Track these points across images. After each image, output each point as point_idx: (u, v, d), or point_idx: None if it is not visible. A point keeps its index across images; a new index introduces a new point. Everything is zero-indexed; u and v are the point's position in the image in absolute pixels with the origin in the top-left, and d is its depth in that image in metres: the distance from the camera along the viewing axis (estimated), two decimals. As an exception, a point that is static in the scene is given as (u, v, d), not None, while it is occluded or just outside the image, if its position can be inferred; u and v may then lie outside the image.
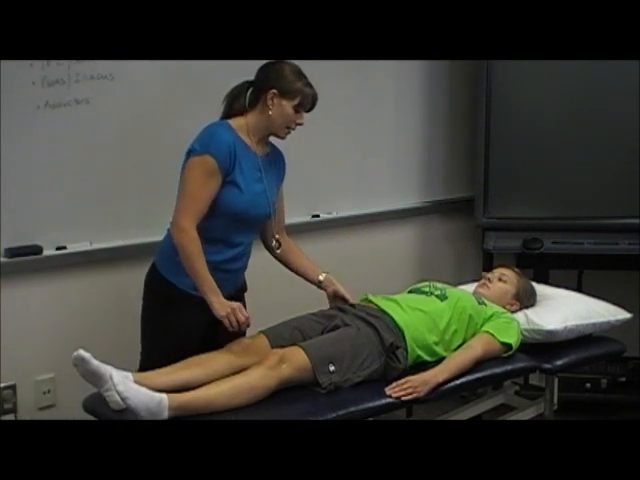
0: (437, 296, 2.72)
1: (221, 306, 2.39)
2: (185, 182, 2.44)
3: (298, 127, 2.53)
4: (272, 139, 2.60)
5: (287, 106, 2.47)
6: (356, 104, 3.57)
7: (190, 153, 2.44)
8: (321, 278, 2.69)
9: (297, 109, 2.48)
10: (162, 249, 2.55)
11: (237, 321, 2.37)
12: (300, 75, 2.49)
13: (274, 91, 2.46)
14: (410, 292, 2.84)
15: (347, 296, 2.69)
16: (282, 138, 2.55)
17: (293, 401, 2.30)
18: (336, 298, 2.70)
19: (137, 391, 2.12)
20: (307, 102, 2.49)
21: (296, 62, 2.50)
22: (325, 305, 2.70)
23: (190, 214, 2.41)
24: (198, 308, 2.50)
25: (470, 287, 3.04)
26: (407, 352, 2.52)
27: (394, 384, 2.41)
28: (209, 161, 2.40)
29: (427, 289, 2.78)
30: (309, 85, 2.49)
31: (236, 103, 2.54)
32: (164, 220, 2.60)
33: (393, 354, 2.49)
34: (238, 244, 2.54)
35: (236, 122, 2.51)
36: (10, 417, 2.74)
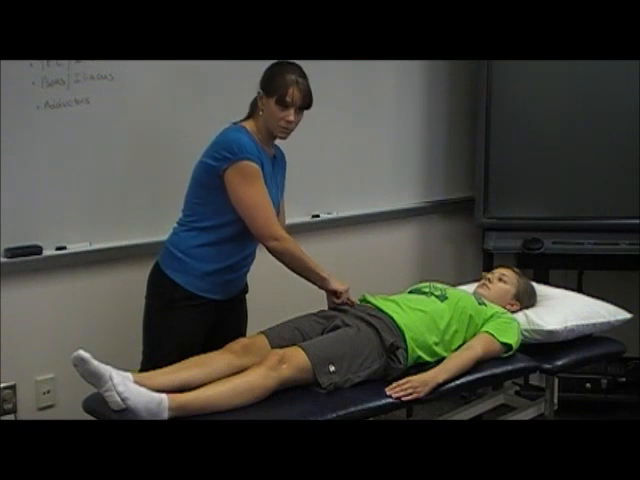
0: (437, 296, 2.72)
1: (340, 282, 2.62)
2: (247, 196, 2.43)
3: (298, 126, 2.52)
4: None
5: (271, 104, 2.46)
6: (356, 104, 3.57)
7: (223, 167, 2.41)
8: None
9: (280, 105, 2.44)
10: (167, 248, 2.55)
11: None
12: (286, 71, 2.44)
13: (260, 92, 2.48)
14: (410, 292, 2.85)
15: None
16: (282, 138, 2.55)
17: (293, 401, 2.29)
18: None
19: (137, 391, 2.11)
20: (288, 97, 2.42)
21: (296, 62, 2.50)
22: (325, 305, 2.69)
23: (274, 220, 2.46)
24: (201, 309, 2.50)
25: (470, 287, 3.04)
26: (407, 352, 2.52)
27: (394, 384, 2.41)
28: (251, 165, 2.41)
29: (427, 289, 2.78)
30: (295, 81, 2.43)
31: (251, 107, 2.55)
32: (164, 220, 2.60)
33: (393, 354, 2.49)
34: (250, 245, 2.55)
35: (249, 125, 2.51)
36: (10, 417, 2.73)
